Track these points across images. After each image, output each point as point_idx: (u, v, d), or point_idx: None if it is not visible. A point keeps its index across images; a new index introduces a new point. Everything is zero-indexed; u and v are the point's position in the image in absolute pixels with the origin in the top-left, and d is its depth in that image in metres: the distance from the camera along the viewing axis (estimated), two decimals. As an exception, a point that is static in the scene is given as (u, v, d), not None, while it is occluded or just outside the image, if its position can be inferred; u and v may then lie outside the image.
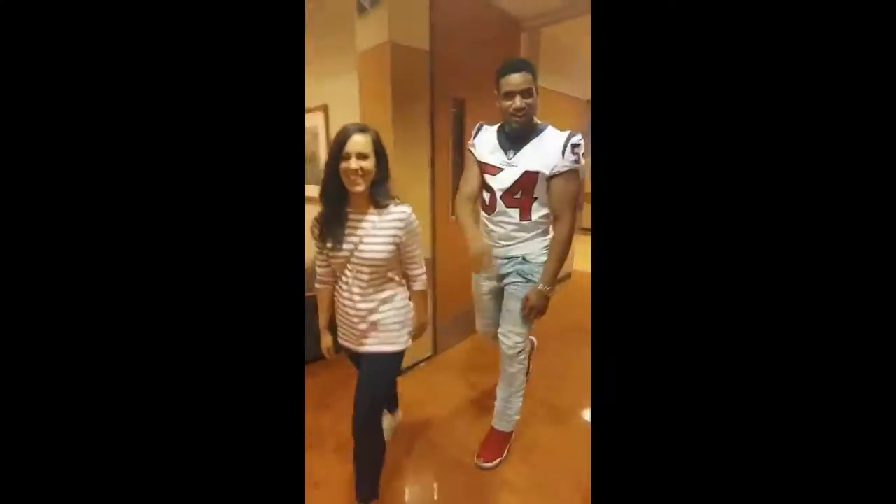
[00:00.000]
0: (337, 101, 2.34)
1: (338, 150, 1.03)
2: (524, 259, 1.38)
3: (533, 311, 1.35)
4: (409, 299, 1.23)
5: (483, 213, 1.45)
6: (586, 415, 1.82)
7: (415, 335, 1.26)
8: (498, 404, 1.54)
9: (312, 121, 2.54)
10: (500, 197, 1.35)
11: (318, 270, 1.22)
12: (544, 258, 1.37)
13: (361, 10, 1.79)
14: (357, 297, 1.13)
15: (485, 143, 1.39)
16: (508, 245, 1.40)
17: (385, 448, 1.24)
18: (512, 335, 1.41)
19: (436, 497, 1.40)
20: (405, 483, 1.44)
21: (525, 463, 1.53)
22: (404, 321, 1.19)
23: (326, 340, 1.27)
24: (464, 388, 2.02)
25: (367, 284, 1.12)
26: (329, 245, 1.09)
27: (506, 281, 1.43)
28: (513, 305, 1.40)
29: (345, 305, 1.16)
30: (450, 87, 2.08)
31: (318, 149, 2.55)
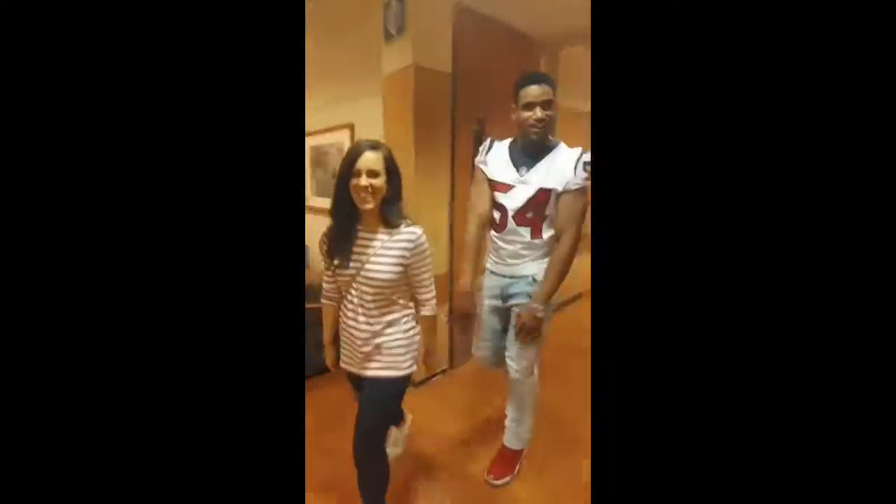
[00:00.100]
0: (363, 120, 2.44)
1: (349, 166, 1.01)
2: (534, 280, 1.34)
3: (524, 331, 1.30)
4: (417, 323, 1.18)
5: (493, 232, 1.40)
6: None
7: (423, 362, 1.20)
8: (509, 423, 1.54)
9: (338, 138, 2.65)
10: (512, 216, 1.31)
11: (325, 286, 1.20)
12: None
13: (389, 37, 1.88)
14: (361, 318, 1.10)
15: (496, 159, 1.35)
16: (516, 263, 1.36)
17: (388, 468, 1.21)
18: (521, 359, 1.38)
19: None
20: (415, 498, 1.46)
21: (535, 482, 1.53)
22: (409, 345, 1.15)
23: (331, 354, 1.25)
24: (479, 402, 2.03)
25: (373, 306, 1.09)
26: (336, 262, 1.08)
27: (512, 301, 1.38)
28: (527, 341, 1.35)
29: (349, 326, 1.13)
30: (471, 107, 2.15)
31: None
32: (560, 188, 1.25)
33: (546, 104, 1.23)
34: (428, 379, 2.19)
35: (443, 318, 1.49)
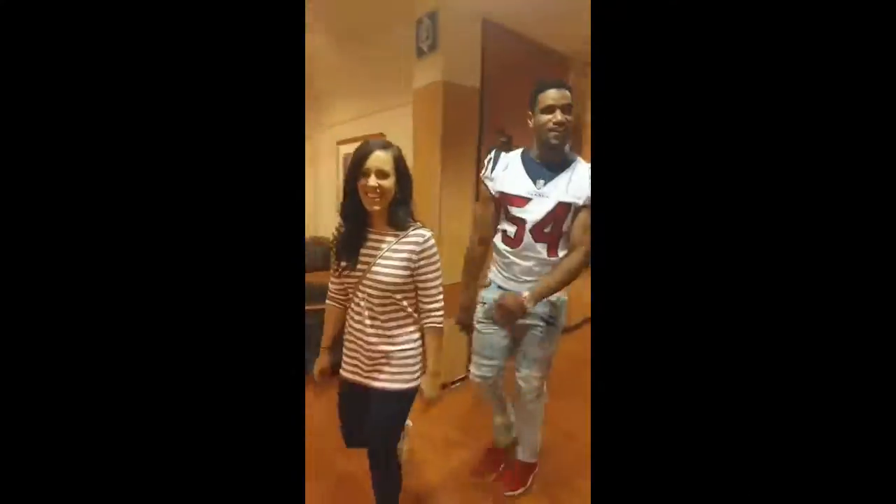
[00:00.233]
0: (393, 130, 2.53)
1: (357, 165, 0.97)
2: (551, 302, 1.29)
3: (501, 311, 1.19)
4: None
5: (505, 247, 1.31)
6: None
7: (427, 383, 1.09)
8: (520, 437, 1.54)
9: (369, 147, 2.75)
10: (530, 230, 1.24)
11: (331, 287, 1.15)
12: (566, 296, 1.32)
13: (420, 53, 1.96)
14: (368, 322, 1.05)
15: (507, 172, 1.28)
16: (530, 281, 1.27)
17: (402, 475, 1.20)
18: (532, 379, 1.36)
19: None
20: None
21: (546, 494, 1.52)
22: (419, 356, 1.10)
23: (323, 361, 1.18)
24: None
25: (380, 310, 1.04)
26: (343, 263, 1.04)
27: (524, 321, 1.29)
28: (533, 351, 1.34)
29: (355, 330, 1.08)
30: (499, 122, 2.19)
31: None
32: (580, 203, 1.20)
33: (566, 108, 1.18)
34: (445, 386, 2.21)
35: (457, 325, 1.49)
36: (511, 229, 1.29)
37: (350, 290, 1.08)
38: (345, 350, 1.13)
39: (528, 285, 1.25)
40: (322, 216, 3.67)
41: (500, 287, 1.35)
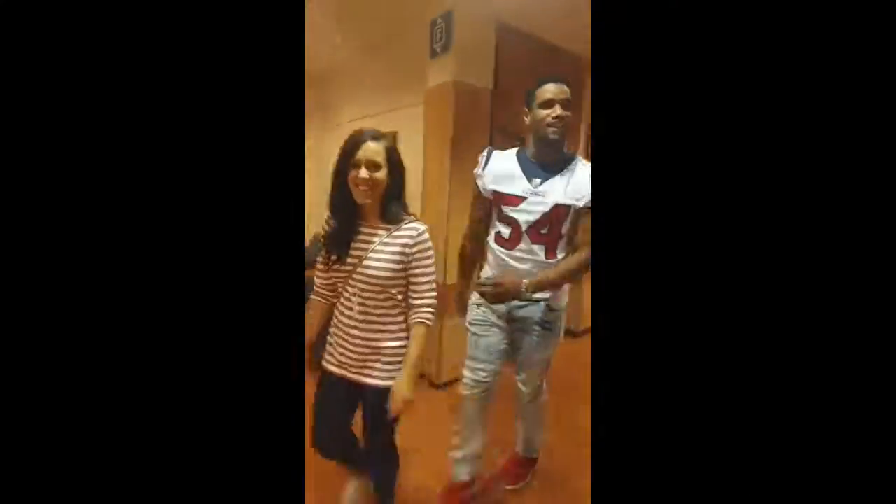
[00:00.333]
0: (406, 128, 2.56)
1: (348, 156, 0.93)
2: (549, 307, 1.25)
3: (491, 287, 1.14)
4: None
5: (499, 248, 1.26)
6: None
7: (405, 380, 1.00)
8: (520, 433, 1.56)
9: (382, 145, 2.80)
10: (526, 231, 1.19)
11: (316, 282, 1.11)
12: (566, 301, 1.31)
13: (433, 54, 1.99)
14: (359, 318, 1.01)
15: (499, 170, 1.23)
16: None
17: (398, 462, 1.21)
18: (531, 383, 1.38)
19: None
20: (426, 499, 1.49)
21: (545, 490, 1.55)
22: None
23: (307, 357, 1.13)
24: (506, 408, 2.06)
25: (372, 304, 1.01)
26: (333, 257, 1.01)
27: (523, 326, 1.28)
28: (530, 355, 1.32)
29: (344, 325, 1.04)
30: (510, 123, 2.21)
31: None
32: (581, 205, 1.16)
33: (565, 103, 1.14)
34: (452, 381, 2.25)
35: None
36: (505, 230, 1.23)
37: (339, 285, 1.04)
38: (330, 344, 1.09)
39: None
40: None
41: None
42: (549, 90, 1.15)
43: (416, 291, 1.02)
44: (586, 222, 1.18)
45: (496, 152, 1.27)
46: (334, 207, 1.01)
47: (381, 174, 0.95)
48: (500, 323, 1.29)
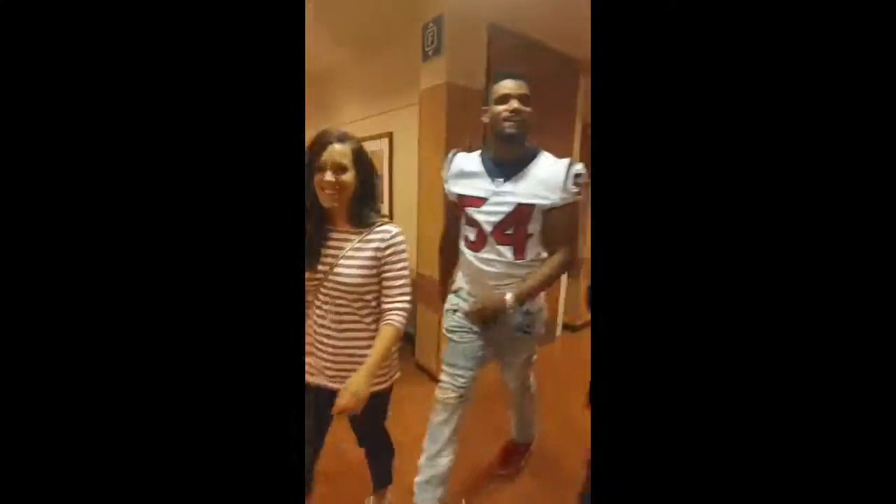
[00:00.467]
0: (401, 129, 2.63)
1: (312, 159, 0.90)
2: (527, 311, 1.23)
3: (479, 312, 1.16)
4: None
5: (469, 251, 1.24)
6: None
7: (356, 379, 0.92)
8: (513, 421, 1.62)
9: (378, 145, 2.86)
10: (490, 232, 1.16)
11: None
12: (542, 300, 1.30)
13: (426, 57, 2.05)
14: (332, 326, 0.99)
15: (463, 172, 1.22)
16: (503, 287, 1.19)
17: (392, 443, 1.24)
18: (517, 380, 1.43)
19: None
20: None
21: (538, 475, 1.62)
22: (391, 355, 1.04)
23: None
24: (493, 396, 2.13)
25: (345, 311, 0.98)
26: (304, 264, 0.96)
27: (501, 331, 1.26)
28: (511, 359, 1.35)
29: (319, 334, 1.01)
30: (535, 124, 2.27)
31: (382, 171, 2.87)
32: (547, 203, 1.11)
33: (523, 98, 1.11)
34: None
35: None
36: (471, 232, 1.21)
37: (311, 292, 1.00)
38: (309, 356, 1.05)
39: (500, 291, 1.18)
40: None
41: (472, 295, 1.28)
42: (506, 86, 1.12)
43: (388, 295, 0.99)
44: (561, 220, 1.15)
45: (460, 154, 1.26)
46: (307, 212, 0.97)
47: (348, 177, 0.92)
48: (477, 329, 1.27)
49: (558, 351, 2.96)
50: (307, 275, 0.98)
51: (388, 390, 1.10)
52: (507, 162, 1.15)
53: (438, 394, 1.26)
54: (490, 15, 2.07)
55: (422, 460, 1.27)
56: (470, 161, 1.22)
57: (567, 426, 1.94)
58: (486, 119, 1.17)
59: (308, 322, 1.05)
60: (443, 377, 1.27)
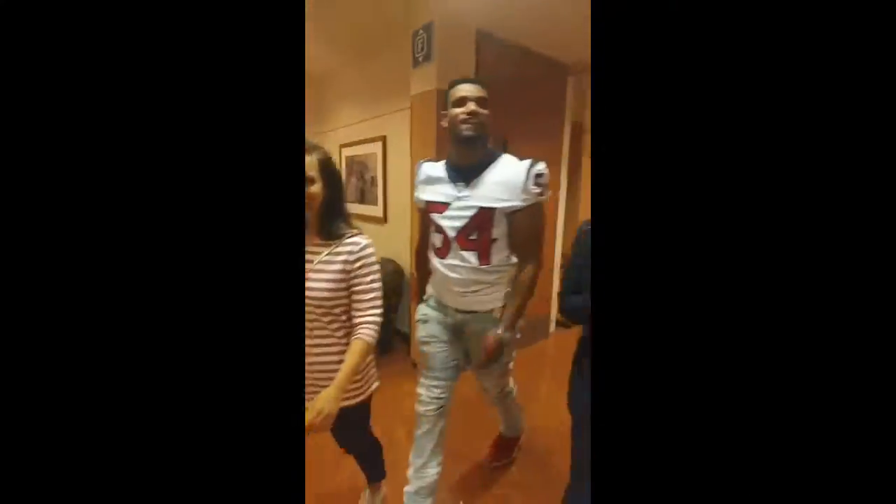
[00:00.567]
0: (394, 133, 2.69)
1: None
2: (497, 320, 1.20)
3: (487, 354, 1.16)
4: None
5: (435, 258, 1.23)
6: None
7: (326, 395, 0.90)
8: (500, 418, 1.66)
9: (372, 149, 2.92)
10: (454, 238, 1.15)
11: None
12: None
13: (416, 63, 2.11)
14: (306, 342, 0.97)
15: (429, 178, 1.22)
16: (470, 294, 1.20)
17: (378, 441, 1.27)
18: (494, 387, 1.45)
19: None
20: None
21: (534, 465, 1.67)
22: (365, 369, 1.04)
23: None
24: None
25: (313, 327, 0.97)
26: None
27: (474, 341, 1.26)
28: (488, 369, 1.32)
29: None
30: (495, 128, 2.33)
31: (376, 174, 2.92)
32: (509, 206, 1.10)
33: (480, 101, 1.10)
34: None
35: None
36: (437, 239, 1.20)
37: None
38: None
39: (467, 298, 1.21)
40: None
41: (441, 304, 1.29)
42: (462, 89, 1.12)
43: (358, 309, 0.96)
44: (524, 224, 1.13)
45: (427, 163, 1.26)
46: None
47: (316, 188, 0.91)
48: (449, 338, 1.28)
49: (551, 347, 3.02)
50: None
51: (367, 401, 1.09)
52: (468, 166, 1.14)
53: (418, 407, 1.27)
54: (479, 22, 2.13)
55: (410, 472, 1.28)
56: (435, 168, 1.22)
57: (560, 422, 1.99)
58: (444, 123, 1.16)
59: None
60: (420, 390, 1.28)
